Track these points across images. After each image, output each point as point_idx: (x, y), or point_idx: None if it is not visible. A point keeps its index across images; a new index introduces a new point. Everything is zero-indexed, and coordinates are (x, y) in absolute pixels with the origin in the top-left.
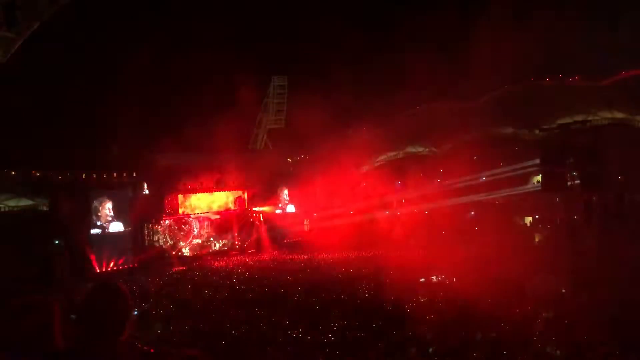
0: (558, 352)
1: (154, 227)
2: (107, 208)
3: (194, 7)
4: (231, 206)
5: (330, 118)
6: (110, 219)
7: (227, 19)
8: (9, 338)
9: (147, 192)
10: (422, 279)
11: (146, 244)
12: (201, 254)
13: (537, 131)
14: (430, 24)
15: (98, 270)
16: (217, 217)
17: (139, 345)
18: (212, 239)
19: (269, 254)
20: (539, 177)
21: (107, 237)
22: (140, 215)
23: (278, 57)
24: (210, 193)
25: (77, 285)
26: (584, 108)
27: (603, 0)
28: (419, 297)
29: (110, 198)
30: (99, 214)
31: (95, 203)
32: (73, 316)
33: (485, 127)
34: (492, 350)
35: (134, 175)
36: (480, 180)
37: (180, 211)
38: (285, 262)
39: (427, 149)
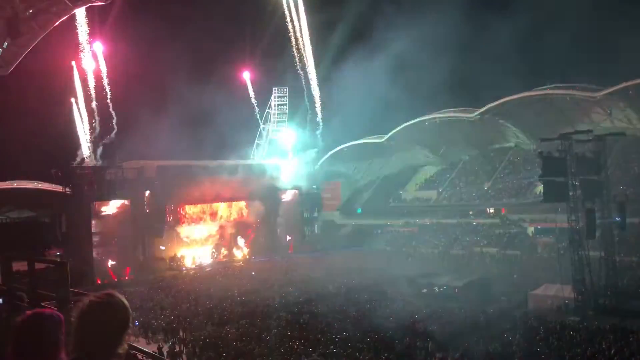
0: None
1: (156, 237)
2: None
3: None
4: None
5: None
6: None
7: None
8: (16, 352)
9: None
10: (425, 290)
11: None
12: (203, 264)
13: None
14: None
15: (99, 281)
16: (218, 227)
17: (139, 356)
18: (213, 250)
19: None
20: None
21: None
22: (142, 226)
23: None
24: (212, 203)
25: (78, 296)
26: (586, 117)
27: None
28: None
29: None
30: None
31: None
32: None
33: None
34: None
35: (137, 185)
36: None
37: (182, 221)
38: None
39: None
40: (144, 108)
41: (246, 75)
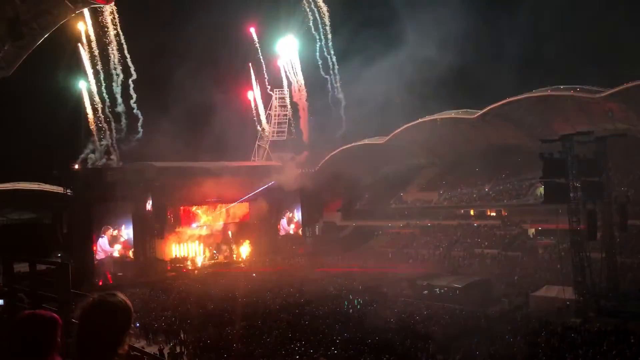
0: None
1: (157, 240)
2: None
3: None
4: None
5: None
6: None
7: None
8: (11, 351)
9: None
10: (425, 291)
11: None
12: (205, 266)
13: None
14: None
15: (101, 283)
16: (220, 229)
17: (141, 357)
18: (215, 251)
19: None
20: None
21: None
22: (143, 228)
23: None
24: (214, 206)
25: (79, 297)
26: (587, 119)
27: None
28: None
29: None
30: None
31: None
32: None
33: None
34: None
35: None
36: None
37: (184, 222)
38: None
39: None
40: (144, 103)
41: (252, 31)
